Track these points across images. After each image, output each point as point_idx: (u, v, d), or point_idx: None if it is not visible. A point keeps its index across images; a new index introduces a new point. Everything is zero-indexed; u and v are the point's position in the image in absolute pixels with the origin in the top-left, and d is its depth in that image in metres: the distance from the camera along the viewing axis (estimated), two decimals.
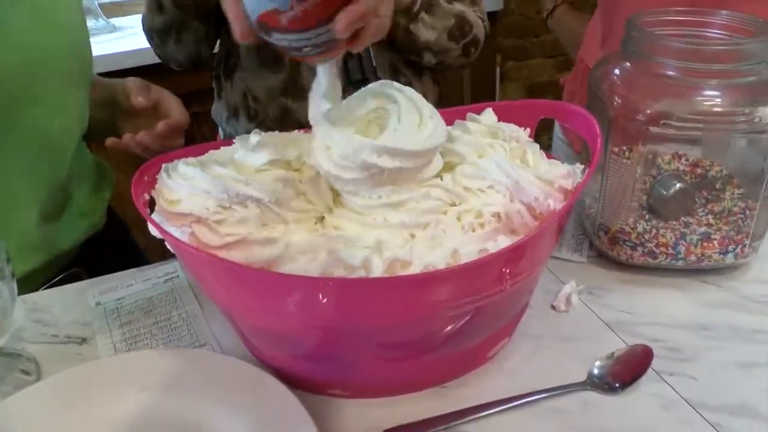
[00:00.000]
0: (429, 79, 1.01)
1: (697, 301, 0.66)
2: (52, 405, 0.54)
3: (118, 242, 0.92)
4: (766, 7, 0.87)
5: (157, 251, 1.94)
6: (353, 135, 0.52)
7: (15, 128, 0.70)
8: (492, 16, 1.95)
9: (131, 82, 0.79)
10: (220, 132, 1.08)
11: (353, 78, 0.86)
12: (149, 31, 0.91)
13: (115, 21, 1.76)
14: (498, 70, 2.21)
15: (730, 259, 0.68)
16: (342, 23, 0.47)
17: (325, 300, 0.46)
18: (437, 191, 0.54)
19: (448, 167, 0.56)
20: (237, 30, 0.48)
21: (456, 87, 2.08)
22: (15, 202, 0.73)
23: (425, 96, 0.57)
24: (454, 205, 0.54)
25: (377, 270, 0.47)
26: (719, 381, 0.56)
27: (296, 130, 0.61)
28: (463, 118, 0.61)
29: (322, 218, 0.54)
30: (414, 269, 0.48)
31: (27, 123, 0.71)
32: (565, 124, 0.62)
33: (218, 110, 1.03)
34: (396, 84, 0.57)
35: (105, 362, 0.59)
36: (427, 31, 0.90)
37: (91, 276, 0.76)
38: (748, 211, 0.67)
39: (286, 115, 0.95)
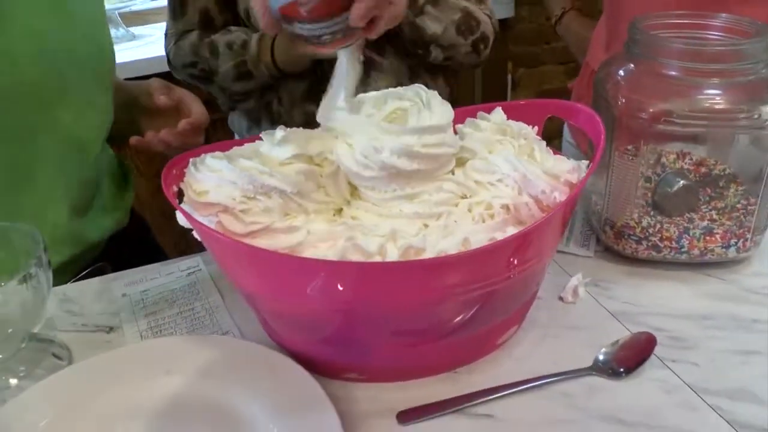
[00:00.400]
0: (442, 82, 1.04)
1: (700, 292, 0.68)
2: (84, 388, 0.57)
3: (140, 240, 0.96)
4: (763, 10, 0.90)
5: (174, 250, 1.97)
6: (375, 135, 0.55)
7: (46, 127, 0.74)
8: (503, 23, 1.98)
9: (154, 82, 0.83)
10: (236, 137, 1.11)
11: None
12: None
13: (135, 30, 1.81)
14: (509, 77, 2.24)
15: (732, 252, 0.70)
16: (358, 12, 0.50)
17: (343, 283, 0.49)
18: (449, 185, 0.57)
19: (460, 162, 0.59)
20: (262, 22, 0.52)
21: (467, 94, 2.10)
22: (47, 196, 0.77)
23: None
24: (465, 197, 0.57)
25: (392, 256, 0.50)
26: (720, 367, 0.58)
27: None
28: (474, 116, 0.64)
29: (340, 210, 0.57)
30: (427, 255, 0.51)
31: (57, 123, 0.74)
32: (571, 122, 0.65)
33: (236, 120, 1.07)
34: (418, 88, 0.59)
35: (133, 348, 0.62)
36: (433, 23, 0.92)
37: (115, 270, 0.79)
38: (749, 207, 0.69)
39: (311, 121, 0.98)
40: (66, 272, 0.80)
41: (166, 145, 0.80)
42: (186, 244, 2.01)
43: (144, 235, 0.98)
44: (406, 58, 0.99)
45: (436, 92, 0.60)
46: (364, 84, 0.96)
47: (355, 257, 0.50)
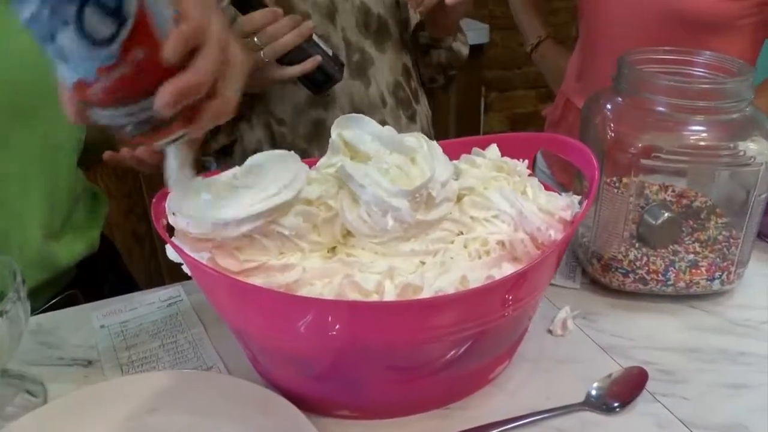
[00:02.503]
0: (425, 104, 1.07)
1: (686, 325, 0.69)
2: (60, 428, 0.54)
3: (110, 266, 0.93)
4: (731, 44, 0.94)
5: (143, 273, 1.92)
6: (382, 197, 0.53)
7: (11, 144, 0.71)
8: (478, 49, 2.01)
9: None
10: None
11: (319, 80, 0.90)
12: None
13: None
14: (483, 101, 2.26)
15: (716, 285, 0.71)
16: (162, 97, 0.39)
17: (340, 322, 0.47)
18: (445, 222, 0.56)
19: (456, 198, 0.58)
20: (67, 111, 0.42)
21: (443, 117, 2.12)
22: (17, 217, 0.74)
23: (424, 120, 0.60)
24: (461, 233, 0.57)
25: (390, 293, 0.49)
26: (710, 401, 0.59)
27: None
28: (469, 150, 0.63)
29: (334, 248, 0.56)
30: (425, 294, 0.50)
31: (25, 135, 0.72)
32: (564, 157, 0.65)
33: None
34: (417, 138, 0.59)
35: (113, 384, 0.60)
36: (464, 47, 1.04)
37: (86, 298, 0.77)
38: (732, 240, 0.70)
39: (319, 127, 0.98)
40: (35, 299, 0.77)
41: (141, 162, 0.78)
42: (156, 266, 1.97)
43: (114, 262, 0.96)
44: (402, 53, 1.02)
45: (435, 143, 0.59)
46: (363, 80, 0.97)
47: (353, 295, 0.49)
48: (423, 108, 1.07)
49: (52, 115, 0.74)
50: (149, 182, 1.70)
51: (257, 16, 0.84)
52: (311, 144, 0.97)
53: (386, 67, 1.00)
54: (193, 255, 0.50)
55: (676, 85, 0.66)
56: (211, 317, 0.70)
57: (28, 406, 0.58)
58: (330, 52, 0.90)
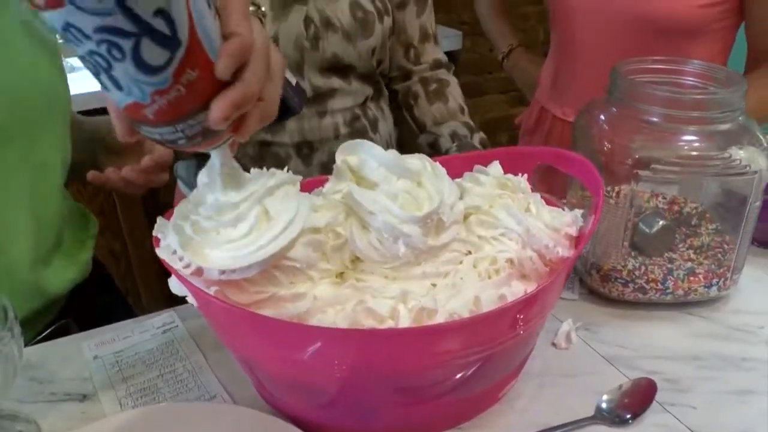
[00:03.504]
0: (386, 127, 1.07)
1: (686, 332, 0.69)
2: None
3: (102, 288, 0.90)
4: (704, 49, 0.96)
5: (137, 299, 1.87)
6: (393, 224, 0.52)
7: None
8: (451, 55, 2.01)
9: None
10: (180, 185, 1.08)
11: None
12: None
13: (74, 61, 1.73)
14: None
15: (713, 291, 0.72)
16: (218, 113, 0.40)
17: (353, 351, 0.47)
18: (454, 243, 0.55)
19: (463, 218, 0.58)
20: (117, 129, 0.43)
21: None
22: (4, 243, 0.71)
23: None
24: (469, 253, 0.56)
25: (405, 318, 0.48)
26: (717, 409, 0.59)
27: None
28: (470, 166, 0.63)
29: (342, 273, 0.55)
30: (439, 317, 0.49)
31: (7, 156, 0.69)
32: (566, 171, 0.65)
33: (184, 166, 1.03)
34: (421, 160, 0.58)
35: (113, 420, 0.58)
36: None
37: (80, 326, 0.74)
38: (726, 246, 0.71)
39: (263, 148, 0.97)
40: (26, 330, 0.74)
41: (128, 182, 0.76)
42: (132, 284, 1.92)
43: (107, 286, 0.93)
44: (368, 83, 1.01)
45: (438, 164, 0.59)
46: (319, 110, 0.96)
47: (367, 322, 0.48)
48: (383, 134, 1.06)
49: (35, 135, 0.72)
50: (123, 200, 1.66)
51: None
52: (255, 164, 0.97)
53: (349, 97, 0.99)
54: (200, 287, 0.48)
55: (670, 96, 0.66)
56: (210, 343, 0.68)
57: None
58: (293, 81, 0.89)
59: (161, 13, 0.36)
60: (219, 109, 0.40)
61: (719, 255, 0.71)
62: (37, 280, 0.75)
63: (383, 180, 0.55)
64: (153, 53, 0.37)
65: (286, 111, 0.91)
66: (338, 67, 0.97)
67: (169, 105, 0.40)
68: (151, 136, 0.43)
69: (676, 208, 0.74)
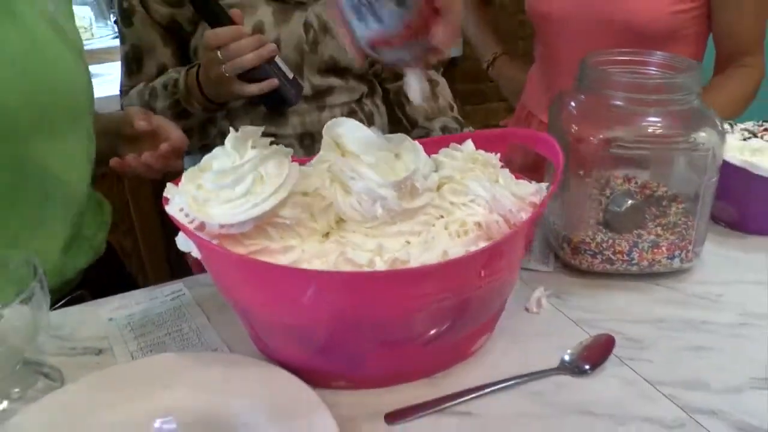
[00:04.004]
0: (381, 124, 1.14)
1: (651, 299, 0.75)
2: (83, 405, 0.59)
3: (116, 269, 0.98)
4: (685, 48, 1.04)
5: (145, 278, 1.95)
6: (372, 188, 0.60)
7: (33, 155, 0.76)
8: (451, 62, 2.08)
9: (132, 109, 0.87)
10: None
11: (275, 101, 1.00)
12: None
13: (92, 68, 1.82)
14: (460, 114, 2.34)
15: (677, 263, 0.77)
16: (443, 35, 0.57)
17: (335, 292, 0.53)
18: (428, 208, 0.62)
19: (437, 187, 0.65)
20: (351, 53, 0.60)
21: None
22: (40, 230, 0.79)
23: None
24: (442, 217, 0.63)
25: (380, 267, 0.55)
26: (673, 362, 0.65)
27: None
28: (447, 146, 0.70)
29: (328, 233, 0.62)
30: (411, 266, 0.56)
31: (45, 150, 0.77)
32: (534, 149, 0.72)
33: (191, 161, 1.12)
34: (399, 137, 0.66)
35: (128, 366, 0.65)
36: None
37: (94, 298, 0.81)
38: (690, 223, 0.77)
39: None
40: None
41: (148, 167, 0.83)
42: (143, 278, 1.99)
43: (118, 264, 1.00)
44: (363, 81, 1.09)
45: (416, 142, 0.66)
46: (318, 105, 1.05)
47: (347, 269, 0.54)
48: (378, 128, 1.13)
49: (71, 129, 0.80)
50: (135, 197, 1.74)
51: (222, 31, 0.91)
52: None
53: (346, 94, 1.07)
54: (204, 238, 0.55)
55: (633, 81, 0.73)
56: (214, 307, 0.75)
57: (49, 389, 0.62)
58: (290, 75, 0.98)
59: None
60: (443, 33, 0.57)
61: (683, 231, 0.77)
62: (62, 262, 0.83)
63: (364, 152, 0.62)
64: None
65: (282, 102, 0.99)
66: (335, 69, 1.04)
67: (408, 31, 0.57)
68: (386, 57, 0.60)
69: (647, 191, 0.79)
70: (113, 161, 0.84)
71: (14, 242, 0.78)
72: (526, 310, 0.73)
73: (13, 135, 0.74)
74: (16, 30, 0.74)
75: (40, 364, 0.66)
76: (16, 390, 0.62)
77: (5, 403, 0.61)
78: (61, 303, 0.81)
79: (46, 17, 0.78)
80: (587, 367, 0.63)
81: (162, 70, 1.04)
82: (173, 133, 0.85)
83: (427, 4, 0.57)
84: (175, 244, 0.63)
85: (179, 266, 1.07)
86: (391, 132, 1.19)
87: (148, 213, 1.75)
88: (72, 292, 0.86)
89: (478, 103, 2.44)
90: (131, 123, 0.85)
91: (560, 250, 0.80)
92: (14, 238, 0.78)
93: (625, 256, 0.76)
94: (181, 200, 0.57)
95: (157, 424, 0.52)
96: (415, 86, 0.63)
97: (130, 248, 1.80)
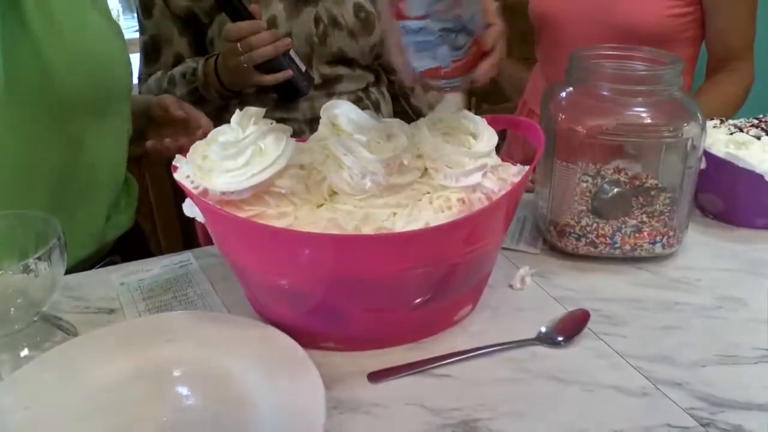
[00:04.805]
0: (387, 113, 1.19)
1: (631, 281, 0.79)
2: (95, 352, 0.64)
3: (140, 243, 1.05)
4: (681, 51, 1.08)
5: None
6: (362, 163, 0.65)
7: (88, 133, 0.84)
8: None
9: (168, 98, 0.94)
10: None
11: (289, 91, 1.07)
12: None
13: None
14: (473, 112, 2.37)
15: (659, 248, 0.81)
16: (486, 72, 0.68)
17: (324, 253, 0.58)
18: (415, 184, 0.67)
19: (424, 168, 0.69)
20: (406, 78, 0.69)
21: None
22: (94, 200, 0.88)
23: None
24: (428, 193, 0.68)
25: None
26: (644, 338, 0.69)
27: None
28: None
29: (321, 204, 0.67)
30: None
31: (98, 128, 0.85)
32: (518, 133, 0.76)
33: None
34: (392, 120, 0.72)
35: (137, 321, 0.70)
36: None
37: None
38: (674, 210, 0.81)
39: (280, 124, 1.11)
40: (80, 268, 0.88)
41: (183, 151, 0.91)
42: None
43: (142, 240, 1.07)
44: (369, 71, 1.14)
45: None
46: (327, 92, 1.11)
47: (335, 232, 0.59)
48: (385, 115, 1.19)
49: (117, 110, 0.87)
50: (154, 181, 1.80)
51: (243, 25, 0.98)
52: None
53: (353, 82, 1.13)
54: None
55: (618, 73, 0.77)
56: (218, 276, 0.80)
57: (65, 340, 0.68)
58: (303, 68, 1.05)
59: (473, 17, 0.63)
60: (486, 70, 0.68)
61: (666, 218, 0.81)
62: (104, 230, 0.91)
63: (357, 131, 0.66)
64: (461, 40, 0.64)
65: (295, 92, 1.06)
66: (343, 60, 1.10)
67: (457, 68, 0.65)
68: (436, 85, 0.68)
69: (637, 182, 0.83)
70: (150, 144, 0.91)
71: (72, 212, 0.86)
72: (510, 286, 0.78)
73: (72, 115, 0.81)
74: (72, 14, 0.81)
75: (57, 318, 0.72)
76: (37, 339, 0.68)
77: (26, 350, 0.67)
78: (99, 265, 0.88)
79: (90, 1, 0.85)
80: (561, 339, 0.67)
81: (178, 59, 1.11)
82: (203, 121, 0.92)
83: (477, 47, 0.65)
84: (193, 231, 0.69)
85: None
86: None
87: (166, 199, 1.82)
88: (107, 256, 0.94)
89: (497, 102, 2.46)
90: (166, 109, 0.92)
91: (547, 233, 0.84)
92: (72, 209, 0.86)
93: (608, 239, 0.80)
94: (187, 169, 0.63)
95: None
96: (453, 108, 0.71)
97: (149, 231, 1.87)
